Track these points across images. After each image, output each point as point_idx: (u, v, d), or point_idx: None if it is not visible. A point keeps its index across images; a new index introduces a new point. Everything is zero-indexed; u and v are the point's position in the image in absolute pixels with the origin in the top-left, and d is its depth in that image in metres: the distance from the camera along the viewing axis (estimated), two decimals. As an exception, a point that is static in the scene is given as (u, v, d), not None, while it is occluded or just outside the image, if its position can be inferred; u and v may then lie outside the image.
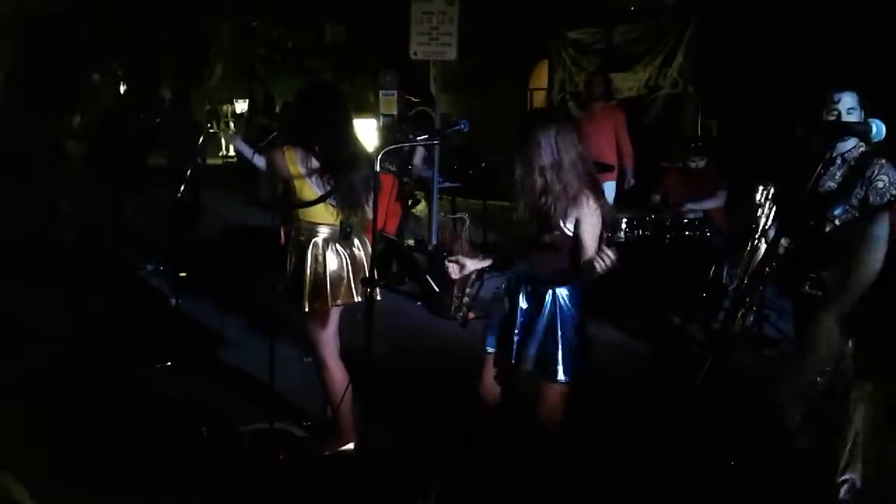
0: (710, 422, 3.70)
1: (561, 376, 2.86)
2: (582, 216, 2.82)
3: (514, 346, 2.94)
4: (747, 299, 4.75)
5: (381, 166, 7.95)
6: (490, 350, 3.06)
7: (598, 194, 2.88)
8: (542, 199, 2.83)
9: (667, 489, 3.26)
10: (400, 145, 6.80)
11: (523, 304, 2.95)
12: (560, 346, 2.87)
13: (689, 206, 5.81)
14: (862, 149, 3.20)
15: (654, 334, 5.21)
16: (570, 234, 2.84)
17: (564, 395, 2.91)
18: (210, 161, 18.11)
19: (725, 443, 3.45)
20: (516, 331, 2.95)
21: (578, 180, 2.82)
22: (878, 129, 2.32)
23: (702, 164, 5.95)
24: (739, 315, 4.92)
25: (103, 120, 8.11)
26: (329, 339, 3.45)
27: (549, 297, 2.89)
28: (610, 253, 2.62)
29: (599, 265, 2.62)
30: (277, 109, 14.05)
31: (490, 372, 3.07)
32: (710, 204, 5.85)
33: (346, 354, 3.53)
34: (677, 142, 7.46)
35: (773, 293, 5.31)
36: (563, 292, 2.90)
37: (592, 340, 3.03)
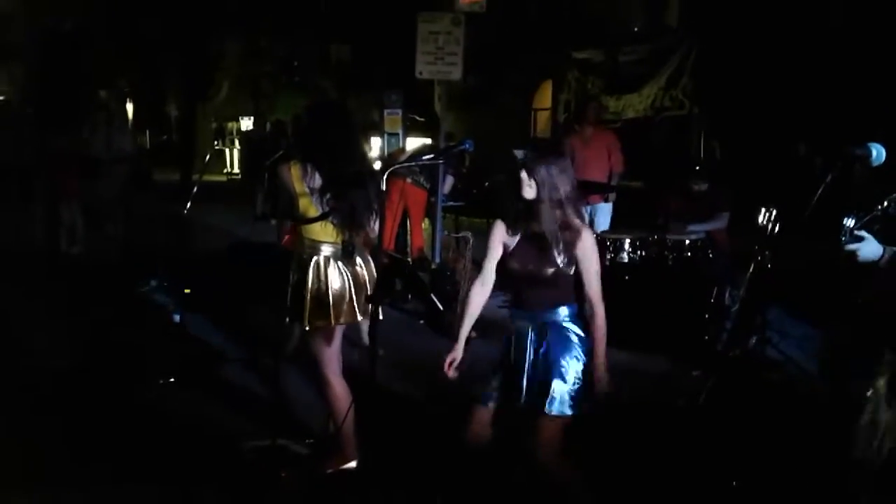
0: (713, 442, 3.71)
1: (567, 409, 2.80)
2: (585, 251, 2.83)
3: (523, 390, 2.86)
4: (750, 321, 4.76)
5: (414, 180, 8.07)
6: (491, 403, 2.95)
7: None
8: (551, 233, 2.81)
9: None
10: (408, 164, 6.88)
11: (530, 351, 2.88)
12: (566, 379, 2.81)
13: (692, 227, 5.83)
14: None
15: (655, 356, 5.20)
16: (570, 270, 2.85)
17: (561, 429, 2.84)
18: (214, 178, 18.21)
19: (728, 463, 3.45)
20: (525, 375, 2.87)
21: (579, 214, 2.87)
22: (879, 153, 2.34)
23: (704, 187, 5.98)
24: (742, 337, 4.93)
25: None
26: (332, 357, 3.45)
27: (552, 332, 2.86)
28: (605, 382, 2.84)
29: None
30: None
31: (482, 422, 2.97)
32: (712, 225, 5.86)
33: (348, 372, 3.54)
34: (681, 163, 7.50)
35: (775, 315, 5.32)
36: (565, 325, 2.87)
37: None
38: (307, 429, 3.88)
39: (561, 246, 2.81)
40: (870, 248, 2.48)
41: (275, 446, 3.55)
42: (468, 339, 3.09)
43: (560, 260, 2.82)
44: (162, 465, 3.54)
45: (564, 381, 2.81)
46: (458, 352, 2.99)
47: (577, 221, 2.84)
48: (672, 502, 3.29)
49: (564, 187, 2.81)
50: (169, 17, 15.59)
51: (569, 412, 2.80)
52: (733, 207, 5.90)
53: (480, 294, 3.03)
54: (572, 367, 2.83)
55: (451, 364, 2.97)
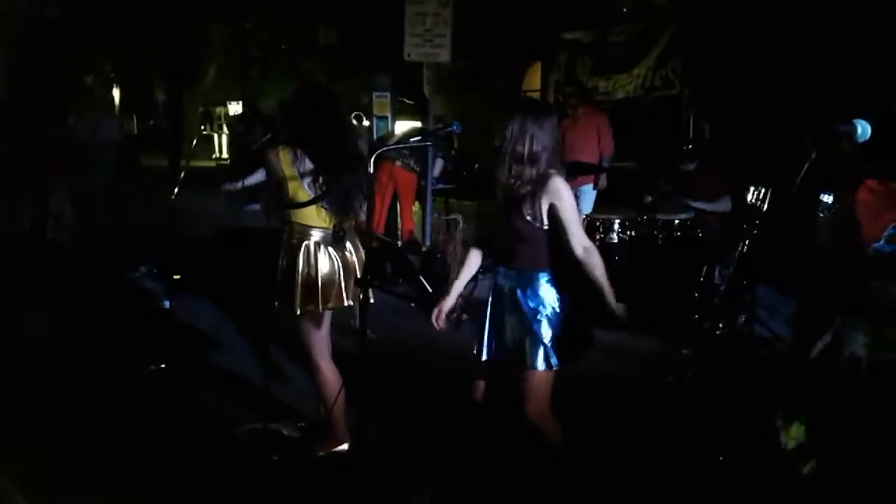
0: (700, 418, 3.75)
1: (542, 364, 2.81)
2: (556, 200, 2.78)
3: (504, 347, 2.93)
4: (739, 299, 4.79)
5: (404, 163, 8.05)
6: (484, 358, 3.00)
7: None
8: (516, 186, 2.82)
9: (657, 484, 3.29)
10: (395, 147, 6.86)
11: (507, 305, 2.92)
12: (535, 335, 2.82)
13: (697, 204, 5.81)
14: None
15: (645, 335, 5.23)
16: (544, 223, 2.82)
17: (545, 384, 2.87)
18: (203, 163, 18.11)
19: (715, 439, 3.49)
20: (503, 333, 2.93)
21: (551, 167, 2.82)
22: (864, 129, 2.34)
23: (692, 166, 5.98)
24: (731, 315, 4.96)
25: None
26: (321, 341, 3.46)
27: (528, 291, 2.86)
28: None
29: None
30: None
31: (478, 374, 3.04)
32: (716, 207, 5.83)
33: (339, 355, 3.55)
34: (671, 144, 7.51)
35: (764, 293, 5.35)
36: (541, 285, 2.86)
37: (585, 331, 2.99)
38: (298, 412, 3.89)
39: (531, 199, 2.79)
40: None
41: (266, 430, 3.57)
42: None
43: (528, 214, 2.79)
44: (153, 451, 3.54)
45: (540, 338, 2.82)
46: (448, 302, 2.96)
47: (550, 172, 2.80)
48: (660, 477, 3.32)
49: (538, 143, 2.78)
50: (155, 1, 15.45)
51: (542, 367, 2.81)
52: (732, 189, 5.88)
53: (478, 255, 3.05)
54: (547, 323, 2.83)
55: (438, 315, 2.95)
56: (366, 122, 8.40)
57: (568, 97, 7.30)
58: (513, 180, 2.83)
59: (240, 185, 3.97)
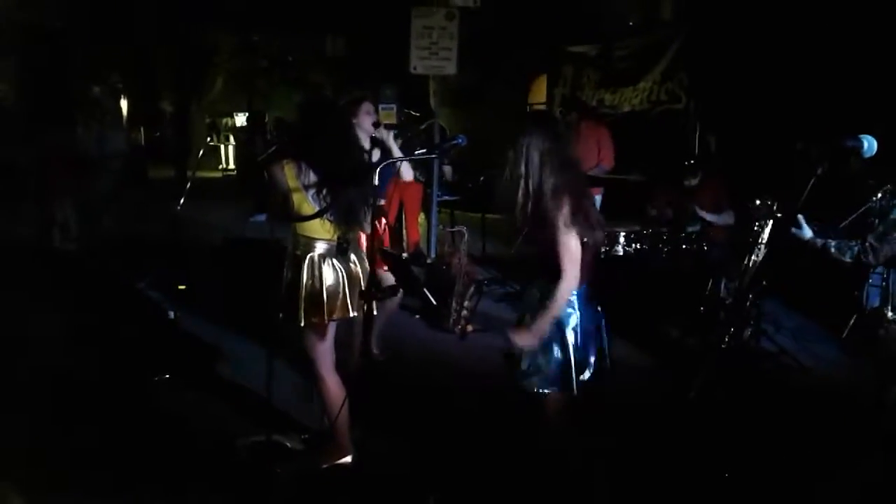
0: (706, 433, 3.72)
1: (543, 388, 2.78)
2: (557, 223, 2.71)
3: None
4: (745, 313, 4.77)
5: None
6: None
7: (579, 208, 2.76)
8: (532, 204, 2.75)
9: (663, 499, 3.27)
10: (395, 160, 6.87)
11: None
12: (541, 358, 2.78)
13: (703, 215, 5.80)
14: None
15: (651, 347, 5.22)
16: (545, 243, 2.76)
17: (548, 405, 2.84)
18: (209, 174, 18.20)
19: (721, 454, 3.46)
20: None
21: (559, 185, 2.74)
22: (870, 144, 2.35)
23: (695, 181, 5.98)
24: (737, 329, 4.94)
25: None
26: (325, 352, 3.46)
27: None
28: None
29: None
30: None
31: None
32: (721, 220, 5.83)
33: (342, 367, 3.54)
34: (677, 157, 7.50)
35: (770, 307, 5.33)
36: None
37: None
38: (302, 424, 3.89)
39: (550, 213, 2.71)
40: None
41: (270, 442, 3.56)
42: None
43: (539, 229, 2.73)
44: (156, 462, 3.54)
45: (539, 361, 2.78)
46: None
47: (552, 190, 2.71)
48: (664, 493, 3.30)
49: (538, 164, 2.73)
50: (162, 11, 15.53)
51: (545, 390, 2.77)
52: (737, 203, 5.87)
53: None
54: (549, 346, 2.78)
55: None
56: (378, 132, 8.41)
57: (569, 113, 7.40)
58: (524, 200, 2.78)
59: (264, 217, 3.96)
